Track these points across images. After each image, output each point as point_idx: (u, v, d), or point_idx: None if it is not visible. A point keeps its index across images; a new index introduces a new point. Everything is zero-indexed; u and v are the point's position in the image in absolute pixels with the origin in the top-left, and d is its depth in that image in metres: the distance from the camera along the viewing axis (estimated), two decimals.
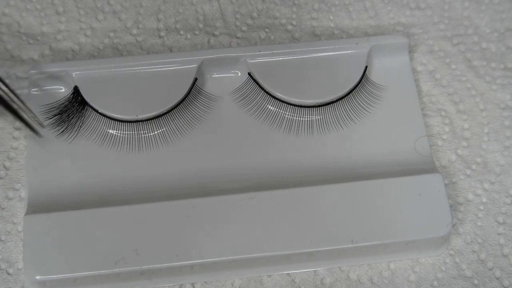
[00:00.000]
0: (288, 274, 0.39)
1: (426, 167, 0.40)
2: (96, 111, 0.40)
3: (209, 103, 0.42)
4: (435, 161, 0.41)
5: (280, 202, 0.38)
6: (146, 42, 0.45)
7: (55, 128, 0.41)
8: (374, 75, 0.43)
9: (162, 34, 0.45)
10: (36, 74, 0.41)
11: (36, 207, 0.38)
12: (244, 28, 0.46)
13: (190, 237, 0.37)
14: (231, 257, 0.37)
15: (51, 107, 0.41)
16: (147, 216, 0.37)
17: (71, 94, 0.41)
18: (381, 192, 0.38)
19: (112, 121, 0.40)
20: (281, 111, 0.42)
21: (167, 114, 0.41)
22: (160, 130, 0.41)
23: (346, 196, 0.38)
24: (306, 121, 0.41)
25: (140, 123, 0.41)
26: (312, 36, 0.46)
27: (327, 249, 0.37)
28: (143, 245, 0.37)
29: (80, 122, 0.41)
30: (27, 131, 0.40)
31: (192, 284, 0.38)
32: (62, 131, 0.41)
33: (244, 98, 0.42)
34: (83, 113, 0.41)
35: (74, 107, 0.41)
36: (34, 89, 0.41)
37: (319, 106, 0.41)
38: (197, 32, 0.46)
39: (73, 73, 0.41)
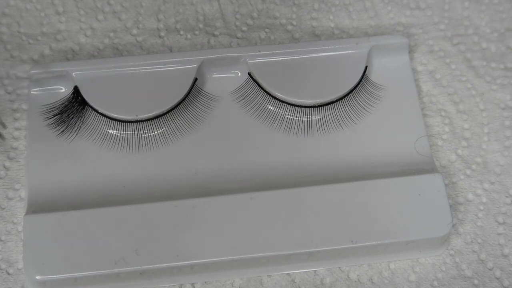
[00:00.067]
0: (288, 274, 0.39)
1: (426, 167, 0.40)
2: (96, 111, 0.40)
3: (209, 103, 0.42)
4: (435, 161, 0.41)
5: (280, 202, 0.38)
6: (146, 42, 0.45)
7: (55, 128, 0.41)
8: (374, 75, 0.43)
9: (162, 34, 0.45)
10: (36, 74, 0.41)
11: (36, 207, 0.38)
12: (244, 28, 0.46)
13: (190, 237, 0.37)
14: (231, 257, 0.37)
15: (51, 107, 0.41)
16: (147, 216, 0.37)
17: (71, 94, 0.41)
18: (381, 192, 0.38)
19: (112, 121, 0.40)
20: (281, 111, 0.42)
21: (167, 114, 0.41)
22: (160, 130, 0.41)
23: (346, 196, 0.38)
24: (306, 121, 0.41)
25: (140, 123, 0.41)
26: (312, 36, 0.46)
27: (327, 249, 0.37)
28: (143, 245, 0.37)
29: (80, 122, 0.41)
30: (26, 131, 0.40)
31: (192, 284, 0.38)
32: (62, 131, 0.41)
33: (244, 98, 0.42)
34: (83, 113, 0.41)
35: (74, 107, 0.41)
36: (34, 89, 0.41)
37: (319, 106, 0.41)
38: (197, 32, 0.46)
39: (73, 73, 0.41)
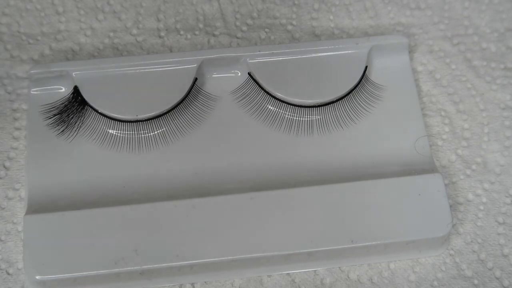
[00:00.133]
0: (288, 274, 0.39)
1: (426, 167, 0.40)
2: (96, 111, 0.40)
3: (209, 103, 0.42)
4: (435, 161, 0.41)
5: (280, 202, 0.38)
6: (146, 42, 0.45)
7: (55, 128, 0.41)
8: (374, 75, 0.43)
9: (162, 34, 0.45)
10: (36, 74, 0.41)
11: (36, 207, 0.38)
12: (244, 28, 0.46)
13: (190, 237, 0.37)
14: (231, 257, 0.37)
15: (51, 107, 0.41)
16: (147, 216, 0.37)
17: (71, 94, 0.41)
18: (381, 192, 0.38)
19: (112, 121, 0.40)
20: (281, 111, 0.42)
21: (167, 114, 0.41)
22: (160, 130, 0.41)
23: (346, 196, 0.38)
24: (306, 121, 0.41)
25: (140, 123, 0.41)
26: (312, 36, 0.46)
27: (327, 249, 0.37)
28: (143, 245, 0.37)
29: (80, 122, 0.41)
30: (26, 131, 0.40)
31: (192, 284, 0.38)
32: (62, 131, 0.41)
33: (244, 98, 0.42)
34: (83, 113, 0.41)
35: (74, 107, 0.41)
36: (34, 89, 0.41)
37: (319, 106, 0.41)
38: (197, 32, 0.46)
39: (73, 73, 0.41)
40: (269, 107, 0.42)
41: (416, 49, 0.45)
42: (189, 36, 0.45)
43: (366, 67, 0.42)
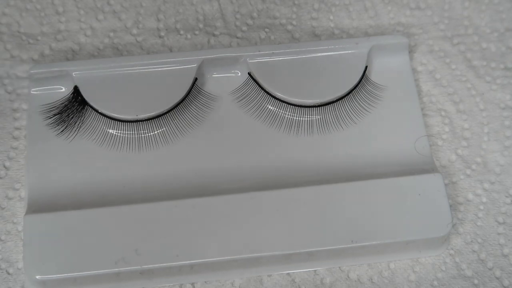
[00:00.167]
0: (288, 274, 0.39)
1: (426, 167, 0.40)
2: (96, 110, 0.40)
3: (209, 103, 0.42)
4: (435, 161, 0.41)
5: (280, 202, 0.38)
6: (146, 42, 0.45)
7: (55, 128, 0.41)
8: (374, 75, 0.43)
9: (162, 34, 0.45)
10: (36, 74, 0.41)
11: (36, 207, 0.38)
12: (244, 28, 0.46)
13: (190, 237, 0.37)
14: (231, 257, 0.37)
15: (51, 107, 0.41)
16: (147, 216, 0.37)
17: (71, 94, 0.41)
18: (381, 192, 0.38)
19: (112, 121, 0.40)
20: (281, 111, 0.42)
21: (167, 114, 0.41)
22: (160, 130, 0.41)
23: (346, 196, 0.38)
24: (306, 121, 0.41)
25: (140, 123, 0.41)
26: (312, 36, 0.46)
27: (327, 249, 0.37)
28: (143, 245, 0.37)
29: (80, 122, 0.41)
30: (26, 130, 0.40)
31: (192, 284, 0.38)
32: (62, 131, 0.41)
33: (244, 98, 0.42)
34: (83, 112, 0.41)
35: (74, 107, 0.41)
36: (34, 89, 0.41)
37: (319, 106, 0.41)
38: (197, 32, 0.46)
39: (73, 73, 0.41)
40: (269, 107, 0.42)
41: (416, 49, 0.45)
42: (189, 36, 0.45)
43: (366, 67, 0.42)
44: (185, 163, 0.40)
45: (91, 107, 0.41)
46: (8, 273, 0.38)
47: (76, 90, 0.41)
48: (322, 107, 0.41)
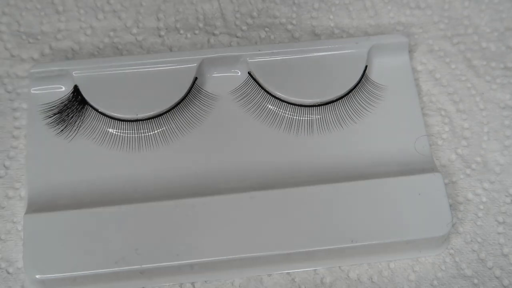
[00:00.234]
0: (288, 273, 0.39)
1: (426, 167, 0.40)
2: (96, 110, 0.40)
3: (209, 103, 0.42)
4: (435, 161, 0.41)
5: (280, 202, 0.38)
6: (146, 41, 0.45)
7: (55, 127, 0.41)
8: (374, 74, 0.43)
9: (162, 33, 0.45)
10: (36, 73, 0.41)
11: (36, 206, 0.38)
12: (244, 28, 0.46)
13: (190, 236, 0.37)
14: (231, 257, 0.37)
15: (51, 106, 0.41)
16: (147, 216, 0.37)
17: (71, 93, 0.41)
18: (381, 191, 0.38)
19: (112, 120, 0.40)
20: (281, 110, 0.42)
21: (167, 113, 0.41)
22: (160, 129, 0.41)
23: (346, 196, 0.38)
24: (306, 120, 0.41)
25: (140, 122, 0.41)
26: (312, 36, 0.46)
27: (327, 249, 0.37)
28: (143, 244, 0.37)
29: (80, 121, 0.41)
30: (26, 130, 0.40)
31: (192, 284, 0.38)
32: (62, 130, 0.41)
33: (244, 98, 0.42)
34: (83, 112, 0.41)
35: (74, 106, 0.41)
36: (34, 88, 0.41)
37: (319, 105, 0.41)
38: (197, 32, 0.46)
39: (73, 72, 0.41)
40: (269, 106, 0.42)
41: (416, 48, 0.45)
42: (189, 35, 0.45)
43: (366, 66, 0.42)
44: (185, 163, 0.40)
45: (91, 106, 0.41)
46: (8, 273, 0.38)
47: (76, 90, 0.41)
48: (322, 106, 0.41)
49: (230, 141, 0.41)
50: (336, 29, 0.46)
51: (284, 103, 0.41)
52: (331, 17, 0.46)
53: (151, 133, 0.41)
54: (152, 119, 0.41)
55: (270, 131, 0.41)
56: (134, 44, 0.45)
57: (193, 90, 0.41)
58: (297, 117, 0.41)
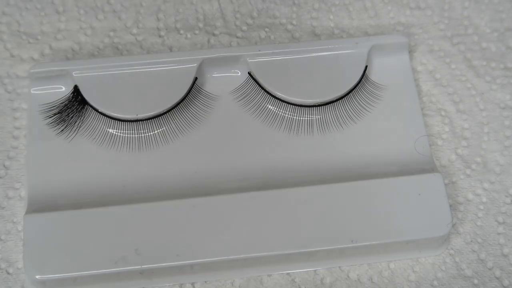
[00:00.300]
0: (288, 273, 0.39)
1: (426, 167, 0.40)
2: (96, 110, 0.40)
3: (209, 103, 0.42)
4: (435, 161, 0.41)
5: (280, 202, 0.38)
6: (146, 42, 0.45)
7: (55, 127, 0.41)
8: (374, 74, 0.43)
9: (162, 33, 0.45)
10: (36, 73, 0.41)
11: (36, 207, 0.38)
12: (244, 28, 0.46)
13: (190, 236, 0.37)
14: (231, 257, 0.37)
15: (51, 106, 0.41)
16: (147, 216, 0.37)
17: (71, 93, 0.41)
18: (381, 192, 0.38)
19: (112, 120, 0.40)
20: (281, 110, 0.42)
21: (167, 114, 0.41)
22: (160, 130, 0.41)
23: (346, 196, 0.38)
24: (306, 120, 0.41)
25: (140, 122, 0.41)
26: (312, 36, 0.46)
27: (327, 249, 0.37)
28: (143, 244, 0.37)
29: (80, 121, 0.41)
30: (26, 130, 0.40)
31: (192, 284, 0.38)
32: (62, 130, 0.41)
33: (244, 98, 0.42)
34: (83, 112, 0.41)
35: (74, 106, 0.41)
36: (34, 88, 0.41)
37: (319, 105, 0.41)
38: (197, 32, 0.46)
39: (73, 72, 0.41)
40: (269, 106, 0.42)
41: (416, 48, 0.45)
42: (189, 36, 0.45)
43: (366, 66, 0.42)
44: (185, 163, 0.40)
45: (91, 106, 0.41)
46: (8, 273, 0.38)
47: (76, 90, 0.41)
48: (322, 106, 0.41)
49: (230, 141, 0.41)
50: (336, 30, 0.46)
51: (284, 103, 0.41)
52: (331, 17, 0.46)
53: (151, 133, 0.41)
54: (152, 119, 0.41)
55: (270, 131, 0.41)
56: (134, 44, 0.45)
57: (193, 90, 0.41)
58: (297, 117, 0.41)
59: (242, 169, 0.40)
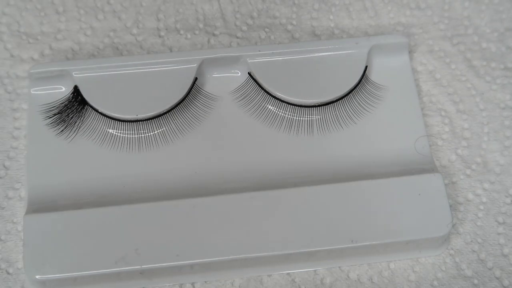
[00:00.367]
0: (288, 273, 0.39)
1: (426, 167, 0.40)
2: (96, 110, 0.40)
3: (209, 103, 0.42)
4: (435, 161, 0.41)
5: (280, 202, 0.38)
6: (146, 42, 0.45)
7: (55, 127, 0.41)
8: (374, 75, 0.43)
9: (162, 33, 0.45)
10: (36, 74, 0.41)
11: (36, 207, 0.38)
12: (244, 28, 0.46)
13: (190, 236, 0.37)
14: (231, 257, 0.37)
15: (51, 107, 0.41)
16: (147, 216, 0.37)
17: (71, 94, 0.41)
18: (381, 192, 0.38)
19: (112, 120, 0.40)
20: (281, 111, 0.42)
21: (167, 114, 0.41)
22: (160, 130, 0.41)
23: (346, 196, 0.38)
24: (306, 121, 0.41)
25: (140, 122, 0.41)
26: (312, 36, 0.46)
27: (327, 249, 0.37)
28: (143, 244, 0.37)
29: (80, 121, 0.41)
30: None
31: (192, 284, 0.38)
32: (62, 131, 0.41)
33: (244, 98, 0.42)
34: (83, 112, 0.41)
35: (74, 107, 0.41)
36: (34, 89, 0.41)
37: (319, 106, 0.41)
38: (197, 32, 0.46)
39: (73, 73, 0.41)
40: (269, 107, 0.42)
41: (416, 49, 0.45)
42: (189, 36, 0.45)
43: (366, 67, 0.42)
44: (185, 163, 0.40)
45: (91, 106, 0.41)
46: (8, 273, 0.38)
47: (76, 90, 0.41)
48: (322, 107, 0.41)
49: (230, 141, 0.41)
50: (336, 30, 0.46)
51: (284, 103, 0.41)
52: (331, 17, 0.46)
53: (151, 133, 0.41)
54: (152, 120, 0.41)
55: (270, 132, 0.41)
56: (134, 44, 0.45)
57: (193, 90, 0.41)
58: (297, 118, 0.41)
59: (242, 169, 0.40)
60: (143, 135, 0.41)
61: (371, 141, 0.41)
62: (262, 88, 0.42)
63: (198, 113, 0.41)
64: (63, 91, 0.42)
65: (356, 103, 0.42)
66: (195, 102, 0.42)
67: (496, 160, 0.42)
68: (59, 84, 0.41)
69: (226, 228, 0.37)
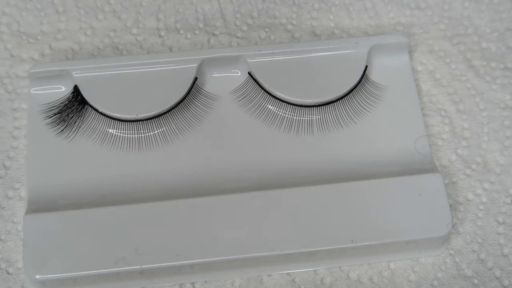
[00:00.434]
0: (288, 273, 0.39)
1: (426, 167, 0.40)
2: (96, 110, 0.40)
3: (209, 103, 0.42)
4: (435, 161, 0.41)
5: (280, 202, 0.38)
6: (146, 42, 0.45)
7: (55, 127, 0.41)
8: (374, 74, 0.43)
9: (162, 33, 0.45)
10: (36, 74, 0.41)
11: (36, 207, 0.38)
12: (244, 28, 0.46)
13: (190, 236, 0.37)
14: (231, 257, 0.37)
15: (51, 106, 0.41)
16: (147, 216, 0.37)
17: (71, 93, 0.41)
18: (381, 191, 0.38)
19: (112, 120, 0.40)
20: (281, 110, 0.42)
21: (167, 114, 0.41)
22: (160, 130, 0.41)
23: (346, 196, 0.38)
24: (306, 120, 0.41)
25: (140, 122, 0.41)
26: (312, 36, 0.46)
27: (327, 249, 0.37)
28: (143, 244, 0.37)
29: (80, 121, 0.41)
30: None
31: (192, 284, 0.38)
32: (62, 130, 0.41)
33: (244, 98, 0.42)
34: (83, 112, 0.41)
35: (74, 106, 0.41)
36: (34, 89, 0.41)
37: (319, 105, 0.41)
38: (197, 32, 0.46)
39: (73, 73, 0.41)
40: (269, 107, 0.42)
41: (416, 49, 0.45)
42: (189, 36, 0.45)
43: (366, 66, 0.42)
44: (185, 163, 0.40)
45: (91, 106, 0.41)
46: (8, 273, 0.38)
47: (76, 90, 0.41)
48: (322, 107, 0.41)
49: (230, 141, 0.41)
50: (336, 30, 0.46)
51: (284, 103, 0.41)
52: (331, 17, 0.46)
53: (151, 133, 0.41)
54: (152, 119, 0.41)
55: (270, 131, 0.41)
56: (134, 44, 0.45)
57: (193, 90, 0.41)
58: (297, 117, 0.41)
59: (242, 169, 0.40)
60: (143, 135, 0.41)
61: (371, 141, 0.41)
62: (262, 88, 0.42)
63: (198, 113, 0.41)
64: (63, 91, 0.42)
65: (356, 103, 0.42)
66: (195, 102, 0.42)
67: (496, 160, 0.42)
68: (59, 84, 0.41)
69: (226, 228, 0.37)
